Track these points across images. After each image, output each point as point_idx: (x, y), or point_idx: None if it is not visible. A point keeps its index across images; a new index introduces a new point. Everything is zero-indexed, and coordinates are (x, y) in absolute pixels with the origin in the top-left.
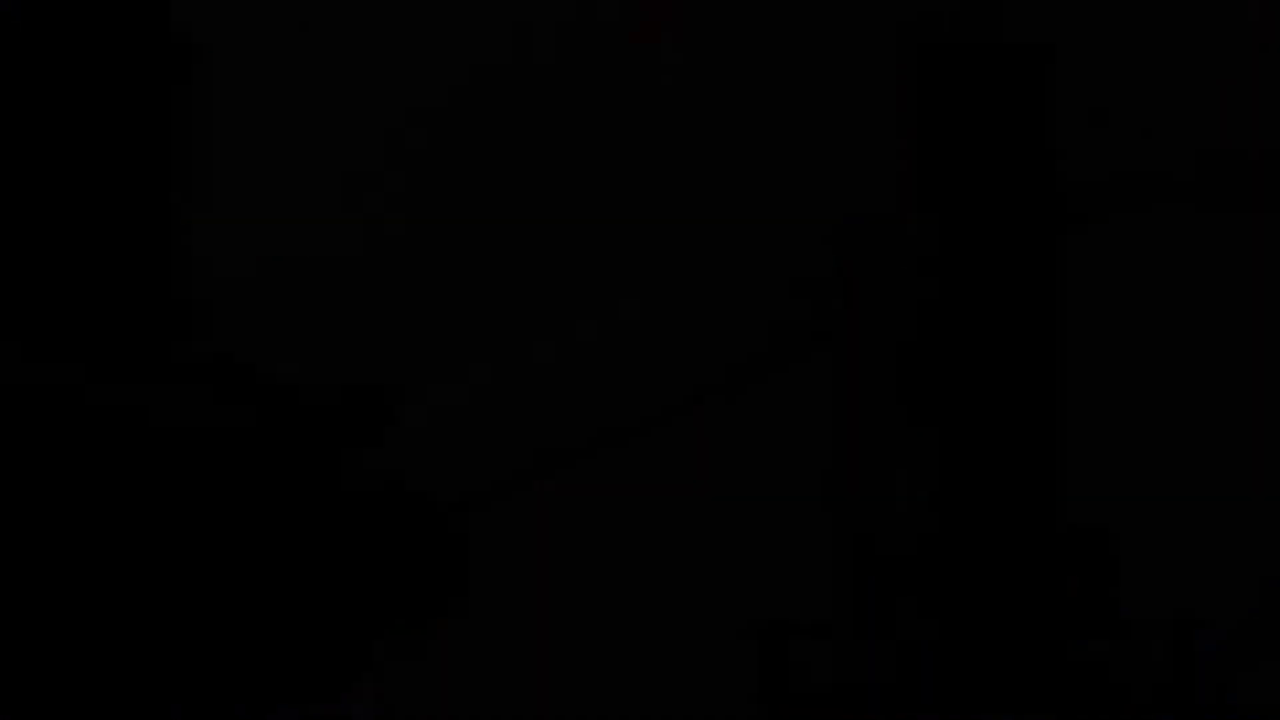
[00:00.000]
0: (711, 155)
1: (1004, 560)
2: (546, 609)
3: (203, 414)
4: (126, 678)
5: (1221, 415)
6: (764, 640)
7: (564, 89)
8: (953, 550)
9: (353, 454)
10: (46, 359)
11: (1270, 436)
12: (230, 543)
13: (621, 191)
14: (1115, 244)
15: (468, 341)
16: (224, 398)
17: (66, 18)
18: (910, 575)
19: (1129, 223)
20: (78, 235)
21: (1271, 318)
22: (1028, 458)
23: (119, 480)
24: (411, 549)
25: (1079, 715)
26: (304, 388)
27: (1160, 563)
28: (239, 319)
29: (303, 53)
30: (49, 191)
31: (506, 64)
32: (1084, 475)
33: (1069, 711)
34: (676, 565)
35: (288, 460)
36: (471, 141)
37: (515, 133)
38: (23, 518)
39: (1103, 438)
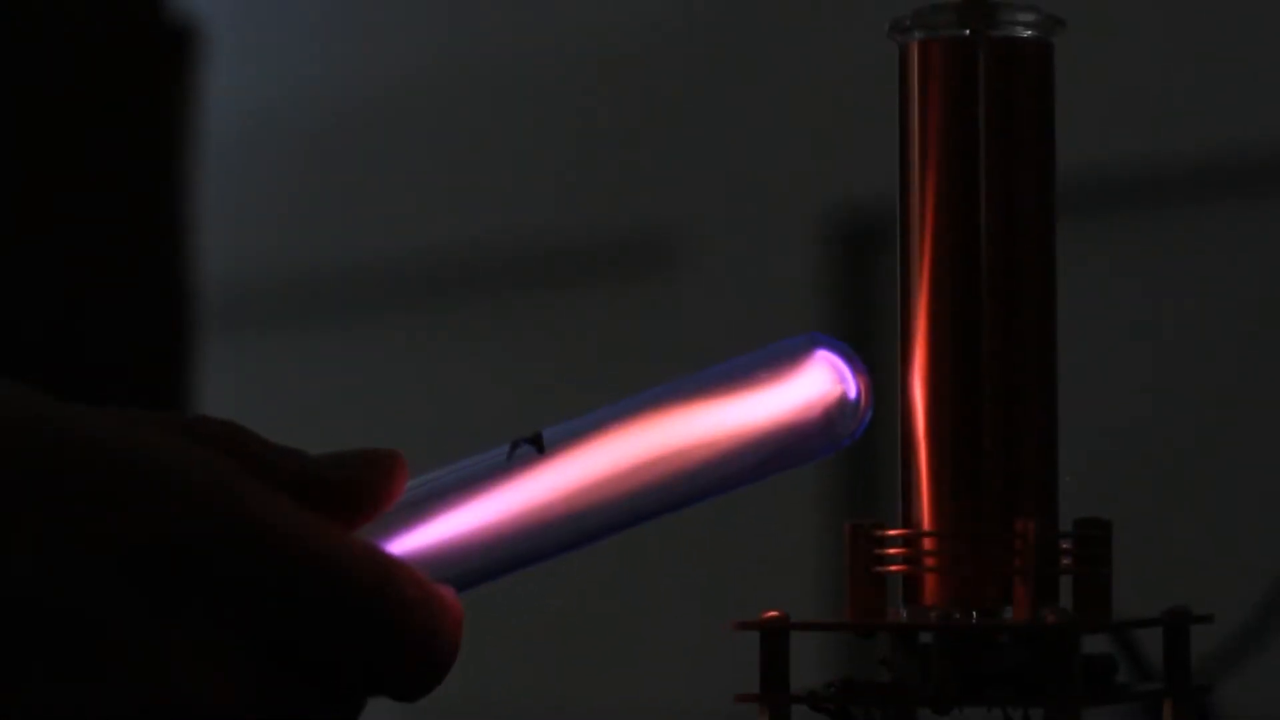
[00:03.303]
0: None
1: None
2: (544, 605)
3: None
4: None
5: (1221, 412)
6: (764, 636)
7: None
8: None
9: None
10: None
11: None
12: None
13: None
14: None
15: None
16: None
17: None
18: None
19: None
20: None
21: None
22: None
23: None
24: None
25: (1075, 708)
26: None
27: (1157, 558)
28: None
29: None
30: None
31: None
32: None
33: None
34: (674, 557)
35: None
36: None
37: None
38: None
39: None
